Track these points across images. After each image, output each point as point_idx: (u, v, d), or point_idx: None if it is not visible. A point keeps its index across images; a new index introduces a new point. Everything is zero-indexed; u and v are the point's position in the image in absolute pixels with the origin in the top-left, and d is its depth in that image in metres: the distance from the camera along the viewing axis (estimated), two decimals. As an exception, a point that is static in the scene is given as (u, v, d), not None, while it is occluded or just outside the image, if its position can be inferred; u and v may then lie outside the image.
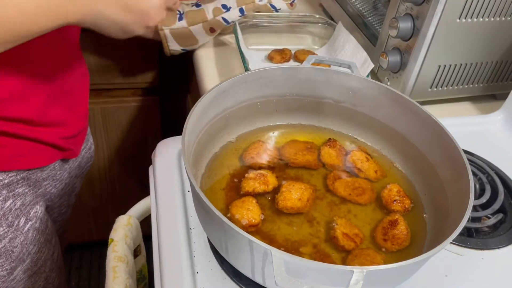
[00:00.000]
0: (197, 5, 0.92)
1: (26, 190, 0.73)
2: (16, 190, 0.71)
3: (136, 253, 0.71)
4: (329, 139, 0.67)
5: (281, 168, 0.64)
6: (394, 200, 0.60)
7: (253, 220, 0.55)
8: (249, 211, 0.55)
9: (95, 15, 0.57)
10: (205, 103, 0.57)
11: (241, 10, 0.91)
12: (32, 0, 0.51)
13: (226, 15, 0.91)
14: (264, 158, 0.64)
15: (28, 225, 0.73)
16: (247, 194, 0.58)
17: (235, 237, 0.44)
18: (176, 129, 0.64)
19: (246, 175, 0.60)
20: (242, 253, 0.46)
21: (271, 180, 0.60)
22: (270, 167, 0.63)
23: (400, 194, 0.61)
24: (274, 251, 0.41)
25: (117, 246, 0.62)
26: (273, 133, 0.69)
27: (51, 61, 0.69)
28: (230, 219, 0.49)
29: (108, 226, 0.71)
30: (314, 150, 0.67)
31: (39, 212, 0.76)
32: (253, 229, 0.55)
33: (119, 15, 0.59)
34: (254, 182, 0.59)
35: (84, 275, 1.59)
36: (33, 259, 0.75)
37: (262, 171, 0.61)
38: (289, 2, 0.95)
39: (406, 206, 0.60)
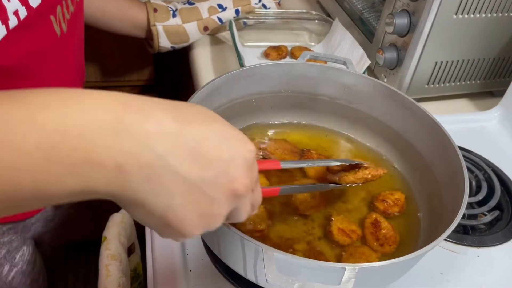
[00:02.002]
0: (190, 3, 0.92)
1: (13, 238, 0.68)
2: (1, 240, 0.66)
3: (130, 251, 0.70)
4: (302, 150, 0.64)
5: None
6: (383, 200, 0.59)
7: (259, 226, 0.54)
8: (256, 215, 0.54)
9: (151, 164, 0.31)
10: (198, 100, 0.57)
11: (237, 11, 0.92)
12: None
13: (221, 15, 0.91)
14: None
15: (13, 272, 0.69)
16: None
17: (227, 234, 0.44)
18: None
19: None
20: (234, 251, 0.45)
21: (261, 180, 0.59)
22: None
23: (397, 202, 0.59)
24: (265, 248, 0.40)
25: (110, 244, 0.61)
26: (268, 130, 0.69)
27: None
28: None
29: (105, 224, 0.70)
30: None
31: (26, 254, 0.71)
32: (259, 235, 0.53)
33: (188, 167, 0.32)
34: None
35: (81, 275, 1.58)
36: None
37: None
38: (277, 1, 0.97)
39: (390, 211, 0.58)
